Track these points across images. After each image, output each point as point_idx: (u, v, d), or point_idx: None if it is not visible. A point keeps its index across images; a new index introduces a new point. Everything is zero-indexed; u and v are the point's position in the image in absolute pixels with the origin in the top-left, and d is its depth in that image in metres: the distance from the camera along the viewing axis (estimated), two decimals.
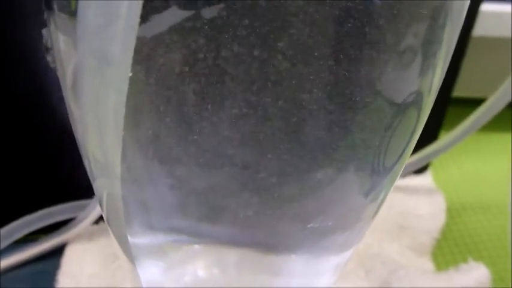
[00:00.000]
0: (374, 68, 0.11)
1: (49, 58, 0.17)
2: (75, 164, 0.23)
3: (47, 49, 0.17)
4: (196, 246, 0.15)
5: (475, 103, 0.24)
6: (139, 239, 0.14)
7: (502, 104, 0.23)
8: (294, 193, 0.13)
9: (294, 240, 0.15)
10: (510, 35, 0.29)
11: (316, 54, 0.10)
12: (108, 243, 0.23)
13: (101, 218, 0.23)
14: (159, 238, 0.14)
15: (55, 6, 0.11)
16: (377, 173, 0.13)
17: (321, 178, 0.13)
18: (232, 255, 0.15)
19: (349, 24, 0.10)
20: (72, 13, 0.10)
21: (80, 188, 0.23)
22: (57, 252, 0.23)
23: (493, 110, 0.23)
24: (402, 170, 0.15)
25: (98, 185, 0.12)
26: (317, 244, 0.15)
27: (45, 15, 0.11)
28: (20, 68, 0.20)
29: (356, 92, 0.11)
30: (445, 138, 0.25)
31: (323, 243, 0.15)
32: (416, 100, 0.12)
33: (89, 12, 0.08)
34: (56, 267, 0.22)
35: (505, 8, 0.28)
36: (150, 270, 0.16)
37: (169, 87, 0.11)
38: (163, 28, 0.10)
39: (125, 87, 0.09)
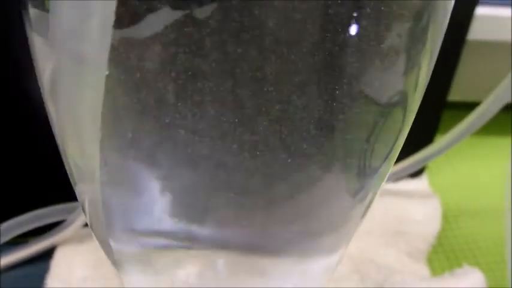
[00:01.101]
0: (357, 68, 0.11)
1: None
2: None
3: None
4: (181, 250, 0.14)
5: (470, 107, 0.24)
6: (123, 244, 0.14)
7: (497, 107, 0.22)
8: (280, 194, 0.13)
9: (281, 241, 0.14)
10: (506, 39, 0.28)
11: (298, 54, 0.10)
12: (98, 246, 0.23)
13: None
14: (143, 243, 0.14)
15: (29, 5, 0.10)
16: (364, 173, 0.13)
17: (306, 179, 0.13)
18: (218, 258, 0.15)
19: (332, 25, 0.10)
20: (47, 11, 0.10)
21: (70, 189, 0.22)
22: (47, 255, 0.22)
23: (488, 114, 0.23)
24: (391, 171, 0.14)
25: (78, 190, 0.12)
26: (305, 245, 0.15)
27: (23, 17, 0.11)
28: (19, 66, 0.20)
29: (340, 93, 0.11)
30: (440, 141, 0.24)
31: (311, 245, 0.15)
32: (401, 100, 0.12)
33: (62, 10, 0.08)
34: (45, 270, 0.22)
35: (500, 11, 0.28)
36: (135, 276, 0.15)
37: (149, 88, 0.10)
38: (156, 29, 0.09)
39: (101, 87, 0.09)
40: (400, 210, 0.26)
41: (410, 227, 0.25)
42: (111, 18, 0.08)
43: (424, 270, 0.23)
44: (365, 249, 0.24)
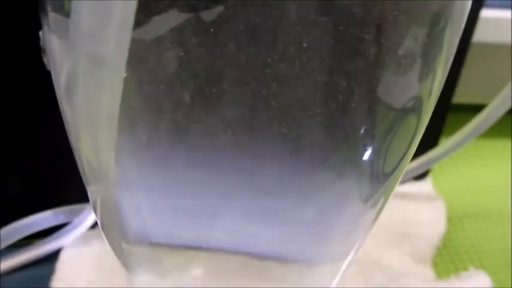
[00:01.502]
0: (372, 72, 0.11)
1: (45, 60, 0.17)
2: (71, 168, 0.22)
3: (44, 51, 0.17)
4: (191, 252, 0.14)
5: (475, 109, 0.24)
6: (134, 245, 0.14)
7: (502, 110, 0.23)
8: (291, 199, 0.13)
9: (291, 247, 0.14)
10: (510, 41, 0.28)
11: (314, 57, 0.10)
12: (104, 249, 0.23)
13: (97, 223, 0.23)
14: (154, 244, 0.14)
15: (48, 8, 0.10)
16: (376, 179, 0.13)
17: (318, 184, 0.13)
18: (228, 262, 0.15)
19: (347, 28, 0.10)
20: (66, 14, 0.10)
21: (76, 192, 0.22)
22: (52, 257, 0.22)
23: (493, 116, 0.23)
24: (402, 176, 0.14)
25: (91, 190, 0.11)
26: (315, 251, 0.15)
27: (40, 17, 0.11)
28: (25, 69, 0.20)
29: (354, 97, 0.11)
30: (444, 144, 0.24)
31: (321, 250, 0.15)
32: (416, 105, 0.12)
33: (82, 12, 0.08)
34: (51, 272, 0.22)
35: (505, 14, 0.28)
36: (144, 276, 0.15)
37: (165, 90, 0.10)
38: (163, 30, 0.09)
39: (119, 89, 0.09)
40: (405, 213, 0.26)
41: (415, 229, 0.25)
42: (131, 20, 0.08)
43: (428, 272, 0.23)
44: (370, 251, 0.24)
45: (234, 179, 0.12)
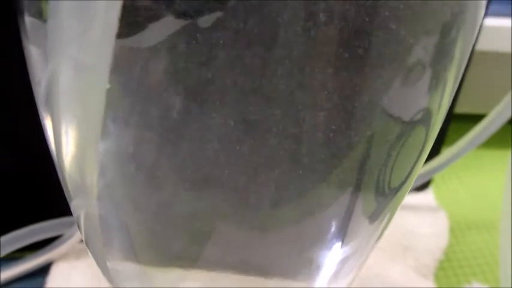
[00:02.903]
0: (381, 83, 0.10)
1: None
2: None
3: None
4: (181, 270, 0.14)
5: (477, 119, 0.24)
6: (120, 262, 0.13)
7: (503, 119, 0.22)
8: (292, 216, 0.12)
9: (290, 265, 0.14)
10: (511, 50, 0.28)
11: (320, 67, 0.10)
12: (94, 262, 0.22)
13: None
14: (141, 262, 0.13)
15: (25, 15, 0.10)
16: (382, 194, 0.13)
17: (322, 199, 0.12)
18: (220, 278, 0.14)
19: (355, 36, 0.09)
20: (44, 20, 0.09)
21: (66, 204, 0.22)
22: (43, 270, 0.22)
23: (494, 126, 0.23)
24: (408, 191, 0.14)
25: (74, 205, 0.11)
26: (316, 270, 0.14)
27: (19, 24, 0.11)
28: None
29: (361, 109, 0.10)
30: (446, 153, 0.24)
31: (323, 269, 0.14)
32: (425, 118, 0.11)
33: (61, 18, 0.07)
34: (42, 285, 0.21)
35: (507, 22, 0.28)
36: None
37: (153, 101, 0.10)
38: (158, 38, 0.09)
39: (102, 98, 0.08)
40: (407, 225, 0.25)
41: (417, 241, 0.24)
42: (114, 26, 0.07)
43: (431, 286, 0.23)
44: (371, 264, 0.23)
45: (227, 197, 0.11)
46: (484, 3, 0.11)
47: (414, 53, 0.10)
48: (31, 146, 0.21)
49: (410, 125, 0.11)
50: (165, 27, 0.09)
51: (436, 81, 0.11)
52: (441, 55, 0.10)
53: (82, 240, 0.22)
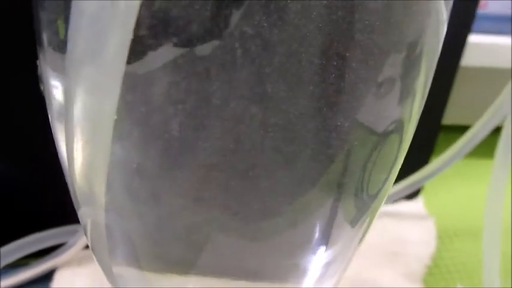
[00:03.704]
0: (355, 98, 0.11)
1: (42, 87, 0.18)
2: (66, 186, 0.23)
3: (40, 79, 0.18)
4: (181, 276, 0.15)
5: (464, 130, 0.25)
6: (124, 268, 0.14)
7: (487, 130, 0.23)
8: (275, 223, 0.13)
9: (276, 269, 0.14)
10: (497, 65, 0.29)
11: (296, 84, 0.11)
12: (98, 269, 0.23)
13: None
14: (144, 268, 0.14)
15: (44, 41, 0.11)
16: (361, 200, 0.14)
17: (306, 206, 0.13)
18: (217, 284, 0.15)
19: (328, 56, 0.10)
20: (60, 48, 0.10)
21: (70, 210, 0.23)
22: (47, 278, 0.22)
23: (479, 136, 0.24)
24: (387, 197, 0.15)
25: (82, 213, 0.12)
26: (303, 273, 0.15)
27: (37, 50, 0.12)
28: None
29: (337, 122, 0.11)
30: (433, 163, 0.25)
31: (309, 272, 0.15)
32: (397, 128, 0.12)
33: (77, 45, 0.08)
34: None
35: (492, 39, 0.29)
36: None
37: (156, 120, 0.11)
38: (156, 65, 0.10)
39: (111, 118, 0.09)
40: (396, 232, 0.26)
41: (406, 248, 0.25)
42: (125, 52, 0.08)
43: None
44: (361, 270, 0.24)
45: (224, 205, 0.12)
46: (445, 24, 0.12)
47: (384, 69, 0.11)
48: (34, 156, 0.22)
49: (384, 135, 0.12)
50: (164, 55, 0.10)
51: (406, 93, 0.12)
52: (408, 70, 0.11)
53: (85, 248, 0.23)
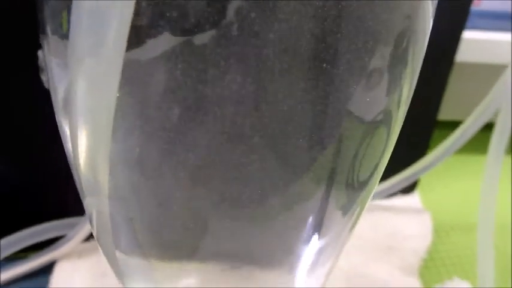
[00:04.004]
0: (345, 89, 0.11)
1: (43, 78, 0.18)
2: (65, 181, 0.23)
3: (41, 69, 0.18)
4: (183, 261, 0.15)
5: (459, 125, 0.25)
6: (127, 256, 0.15)
7: (480, 124, 0.24)
8: (270, 209, 0.13)
9: (271, 254, 0.15)
10: (491, 61, 0.30)
11: (288, 74, 0.11)
12: (97, 261, 0.23)
13: (91, 236, 0.24)
14: (147, 255, 0.15)
15: (48, 30, 0.11)
16: (352, 188, 0.14)
17: (296, 194, 0.13)
18: (217, 269, 0.15)
19: (318, 47, 0.11)
20: (64, 36, 0.11)
21: (69, 205, 0.23)
22: (46, 270, 0.23)
23: (472, 130, 0.24)
24: (378, 186, 0.15)
25: (87, 202, 0.12)
26: (297, 258, 0.15)
27: (40, 39, 0.12)
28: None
29: (328, 111, 0.12)
30: (428, 157, 0.25)
31: (303, 257, 0.15)
32: (386, 118, 0.13)
33: (79, 34, 0.09)
34: (45, 285, 0.22)
35: (486, 35, 0.30)
36: (137, 285, 0.16)
37: (155, 108, 0.11)
38: (155, 53, 0.10)
39: (112, 107, 0.09)
40: (393, 226, 0.26)
41: (403, 242, 0.25)
42: (124, 41, 0.09)
43: (416, 284, 0.24)
44: (358, 263, 0.24)
45: (222, 190, 0.13)
46: (430, 17, 0.12)
47: (373, 61, 0.11)
48: (34, 156, 0.22)
49: (373, 125, 0.13)
50: (163, 43, 0.10)
51: (394, 85, 0.12)
52: (396, 62, 0.12)
53: (85, 240, 0.23)
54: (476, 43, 0.29)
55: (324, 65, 0.11)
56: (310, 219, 0.14)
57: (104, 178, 0.10)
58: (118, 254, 0.14)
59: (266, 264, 0.15)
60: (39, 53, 0.17)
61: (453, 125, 0.28)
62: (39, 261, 0.23)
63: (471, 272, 0.25)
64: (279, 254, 0.15)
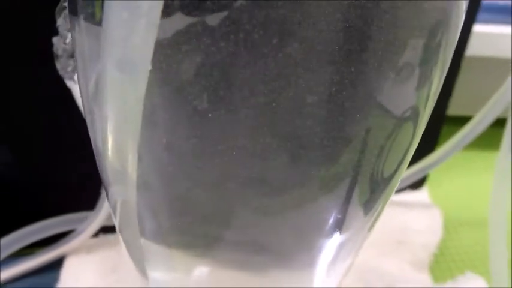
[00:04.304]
0: (375, 82, 0.11)
1: (58, 66, 0.18)
2: (75, 175, 0.23)
3: (56, 56, 0.18)
4: (202, 250, 0.15)
5: (469, 121, 0.25)
6: (150, 245, 0.14)
7: (490, 119, 0.24)
8: (292, 203, 0.13)
9: (290, 250, 0.15)
10: (501, 55, 0.29)
11: (318, 65, 0.11)
12: (107, 256, 0.23)
13: (100, 231, 0.24)
14: (169, 242, 0.14)
15: (80, 13, 0.11)
16: (375, 183, 0.14)
17: (321, 187, 0.13)
18: (233, 260, 0.15)
19: (351, 38, 0.10)
20: (98, 23, 0.10)
21: (79, 200, 0.23)
22: (56, 265, 0.23)
23: (481, 125, 0.24)
24: (398, 184, 0.15)
25: (113, 191, 0.12)
26: (318, 253, 0.15)
27: (69, 21, 0.12)
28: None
29: (356, 105, 0.12)
30: (437, 152, 0.25)
31: (324, 252, 0.15)
32: (413, 114, 0.13)
33: (113, 21, 0.08)
34: (55, 280, 0.22)
35: (496, 29, 0.29)
36: (158, 276, 0.16)
37: (177, 94, 0.11)
38: (167, 34, 0.10)
39: (142, 95, 0.09)
40: (403, 221, 0.26)
41: (413, 237, 0.25)
42: (156, 29, 0.08)
43: (426, 279, 0.24)
44: (368, 258, 0.24)
45: (247, 180, 0.12)
46: (463, 12, 0.12)
47: (405, 54, 0.11)
48: (34, 156, 0.22)
49: (400, 121, 0.12)
50: (175, 23, 0.10)
51: (423, 80, 0.12)
52: (428, 56, 0.12)
53: (94, 235, 0.23)
54: (486, 36, 0.29)
55: (356, 55, 0.11)
56: (333, 214, 0.14)
57: (132, 166, 0.10)
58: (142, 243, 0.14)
59: (285, 260, 0.15)
60: (54, 39, 0.17)
61: (462, 120, 0.28)
62: (48, 257, 0.22)
63: (482, 267, 0.25)
64: (299, 249, 0.15)
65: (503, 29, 0.29)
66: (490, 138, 0.25)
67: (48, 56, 0.18)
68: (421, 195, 0.28)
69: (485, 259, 0.25)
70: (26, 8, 0.19)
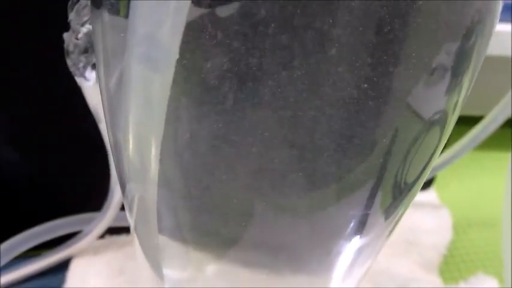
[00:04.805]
0: (406, 82, 0.11)
1: (68, 62, 0.17)
2: (82, 176, 0.22)
3: (67, 53, 0.17)
4: (218, 248, 0.14)
5: (477, 121, 0.25)
6: (166, 242, 0.14)
7: (501, 120, 0.23)
8: (316, 204, 0.13)
9: (310, 253, 0.14)
10: (507, 54, 0.29)
11: (350, 63, 0.10)
12: (113, 258, 0.23)
13: (106, 232, 0.23)
14: (186, 240, 0.14)
15: (105, 12, 0.11)
16: (398, 188, 0.13)
17: (344, 190, 0.13)
18: (247, 261, 0.15)
19: (385, 37, 0.10)
20: (122, 17, 0.10)
21: (87, 201, 0.22)
22: (62, 267, 0.22)
23: (492, 126, 0.24)
24: (419, 190, 0.15)
25: (130, 188, 0.12)
26: (336, 257, 0.15)
27: (91, 14, 0.11)
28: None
29: (387, 105, 0.11)
30: (446, 153, 0.25)
31: (342, 256, 0.15)
32: (441, 119, 0.12)
33: (139, 19, 0.08)
34: (61, 282, 0.22)
35: (505, 27, 0.29)
36: (173, 274, 0.15)
37: (204, 90, 0.10)
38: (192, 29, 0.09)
39: (167, 91, 0.09)
40: (412, 222, 0.26)
41: (422, 237, 0.25)
42: (182, 26, 0.08)
43: (436, 280, 0.24)
44: (378, 259, 0.24)
45: (268, 181, 0.12)
46: (498, 14, 0.12)
47: (438, 56, 0.11)
48: (34, 156, 0.22)
49: (428, 124, 0.12)
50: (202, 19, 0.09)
51: (455, 83, 0.12)
52: (461, 59, 0.11)
53: (100, 237, 0.23)
54: (498, 35, 0.29)
55: (388, 58, 0.10)
56: (354, 218, 0.14)
57: (155, 162, 0.10)
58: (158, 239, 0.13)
59: (302, 263, 0.15)
60: (65, 35, 0.16)
61: (471, 120, 0.28)
62: (54, 258, 0.22)
63: (492, 268, 0.25)
64: (317, 252, 0.15)
65: (508, 27, 0.29)
66: (499, 139, 0.24)
67: (50, 54, 0.17)
68: (429, 195, 0.28)
69: (495, 260, 0.25)
70: (27, 9, 0.19)
